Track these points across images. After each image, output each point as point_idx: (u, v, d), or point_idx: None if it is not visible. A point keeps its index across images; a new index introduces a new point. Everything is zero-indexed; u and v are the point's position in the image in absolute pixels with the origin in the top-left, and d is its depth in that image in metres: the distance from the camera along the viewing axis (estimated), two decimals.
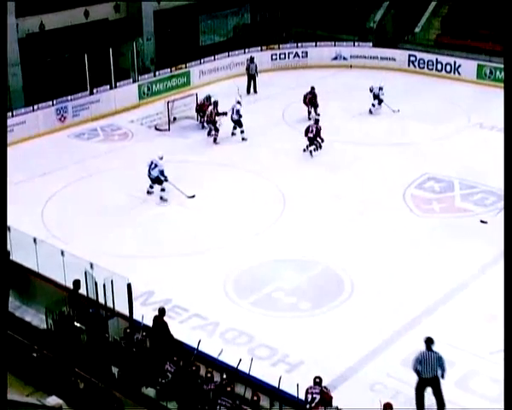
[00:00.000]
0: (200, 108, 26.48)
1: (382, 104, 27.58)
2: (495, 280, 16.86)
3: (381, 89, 27.56)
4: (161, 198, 21.13)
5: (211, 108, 25.26)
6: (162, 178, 20.99)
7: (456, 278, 17.10)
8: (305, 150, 23.65)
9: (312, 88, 26.80)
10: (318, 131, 23.58)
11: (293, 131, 25.70)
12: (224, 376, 12.46)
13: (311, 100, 26.61)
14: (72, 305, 14.47)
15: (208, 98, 26.15)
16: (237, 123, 25.21)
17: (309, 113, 26.52)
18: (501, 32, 30.47)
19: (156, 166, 20.99)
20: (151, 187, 21.32)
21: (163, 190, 21.15)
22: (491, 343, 14.71)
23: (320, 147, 23.69)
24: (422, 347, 12.80)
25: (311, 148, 23.65)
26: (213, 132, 25.11)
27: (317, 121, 24.02)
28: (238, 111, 25.01)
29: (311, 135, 23.53)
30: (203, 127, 26.16)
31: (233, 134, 25.55)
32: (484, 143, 24.90)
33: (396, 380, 13.85)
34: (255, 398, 11.93)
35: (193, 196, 21.11)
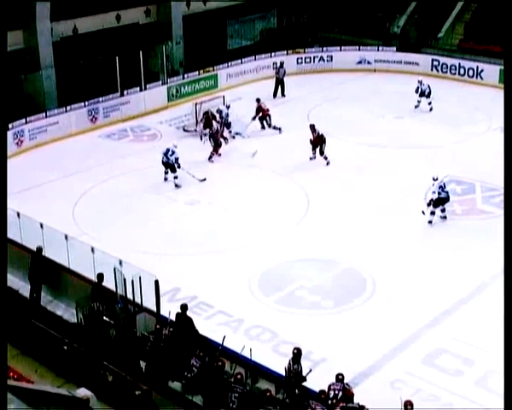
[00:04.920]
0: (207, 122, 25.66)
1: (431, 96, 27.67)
2: None
3: (420, 82, 27.71)
4: (176, 185, 22.08)
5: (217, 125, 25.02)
6: (176, 166, 21.96)
7: (476, 279, 17.18)
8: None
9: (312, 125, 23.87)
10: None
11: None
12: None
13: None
14: (96, 298, 14.70)
15: (220, 112, 25.61)
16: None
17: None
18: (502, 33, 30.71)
19: (173, 153, 21.98)
20: (166, 173, 22.32)
21: (176, 177, 22.07)
22: None
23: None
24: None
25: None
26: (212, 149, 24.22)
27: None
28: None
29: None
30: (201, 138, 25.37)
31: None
32: None
33: (416, 378, 14.00)
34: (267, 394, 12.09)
35: (204, 180, 22.15)
